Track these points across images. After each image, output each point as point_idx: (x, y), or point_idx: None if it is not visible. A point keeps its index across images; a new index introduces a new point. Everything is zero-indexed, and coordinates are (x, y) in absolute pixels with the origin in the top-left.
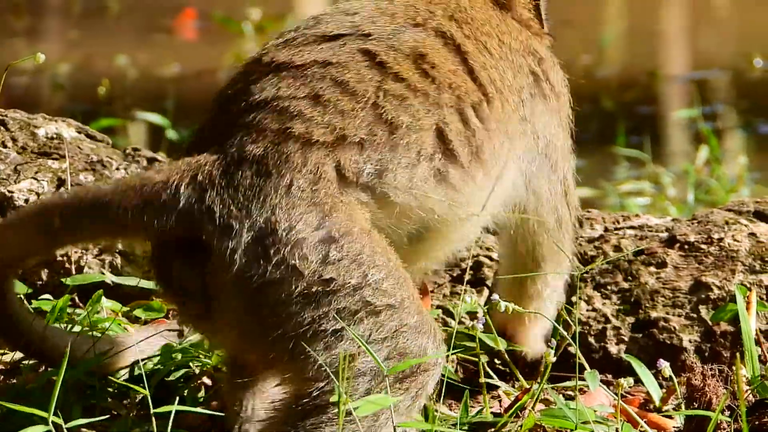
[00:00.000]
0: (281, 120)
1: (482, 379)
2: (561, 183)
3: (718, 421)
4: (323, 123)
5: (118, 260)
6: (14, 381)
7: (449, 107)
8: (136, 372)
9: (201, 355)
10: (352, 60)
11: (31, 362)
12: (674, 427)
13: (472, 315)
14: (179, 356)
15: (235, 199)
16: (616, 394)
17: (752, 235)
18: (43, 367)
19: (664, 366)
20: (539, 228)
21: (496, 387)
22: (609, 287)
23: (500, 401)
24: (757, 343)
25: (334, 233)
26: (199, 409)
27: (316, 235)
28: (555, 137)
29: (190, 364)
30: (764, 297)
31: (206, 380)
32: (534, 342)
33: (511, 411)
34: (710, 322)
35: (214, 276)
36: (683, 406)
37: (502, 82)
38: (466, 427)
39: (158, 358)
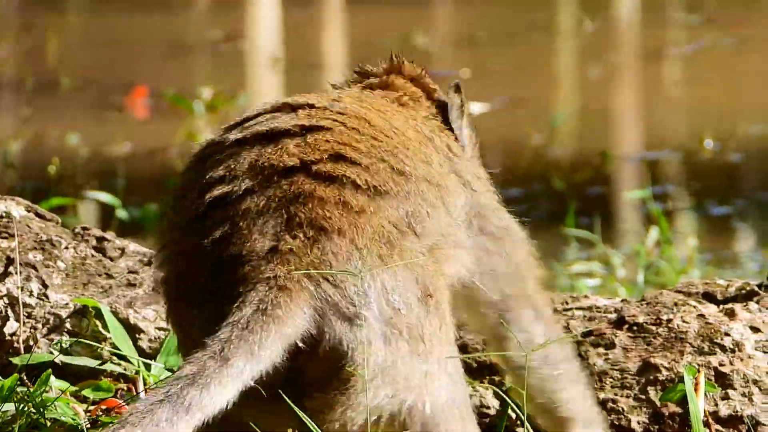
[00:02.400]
0: (329, 186)
1: None
2: (497, 231)
3: None
4: (362, 185)
5: (67, 339)
6: None
7: (419, 162)
8: None
9: None
10: (332, 124)
11: None
12: None
13: None
14: None
15: (347, 284)
16: None
17: (701, 316)
18: None
19: None
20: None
21: None
22: None
23: None
24: (706, 424)
25: (424, 287)
26: None
27: (417, 294)
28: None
29: None
30: (713, 378)
31: None
32: None
33: None
34: (659, 404)
35: (321, 365)
36: None
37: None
38: None
39: None
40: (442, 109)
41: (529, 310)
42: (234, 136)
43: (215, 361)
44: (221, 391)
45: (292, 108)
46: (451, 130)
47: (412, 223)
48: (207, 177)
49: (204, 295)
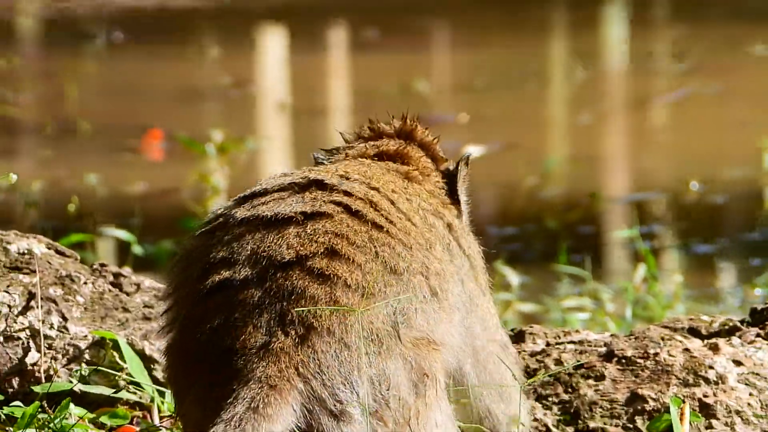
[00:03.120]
0: (321, 285)
1: None
2: (482, 322)
3: None
4: (352, 284)
5: (85, 368)
6: None
7: (418, 251)
8: None
9: None
10: (333, 211)
11: None
12: None
13: None
14: None
15: (335, 382)
16: None
17: (686, 350)
18: None
19: None
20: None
21: None
22: (550, 399)
23: None
24: None
25: (417, 374)
26: None
27: (409, 378)
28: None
29: None
30: (697, 409)
31: None
32: None
33: None
34: None
35: None
36: None
37: (427, 228)
38: None
39: None
40: (448, 178)
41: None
42: (241, 214)
43: None
44: None
45: (300, 188)
46: (454, 200)
47: (399, 320)
48: (211, 256)
49: (200, 371)
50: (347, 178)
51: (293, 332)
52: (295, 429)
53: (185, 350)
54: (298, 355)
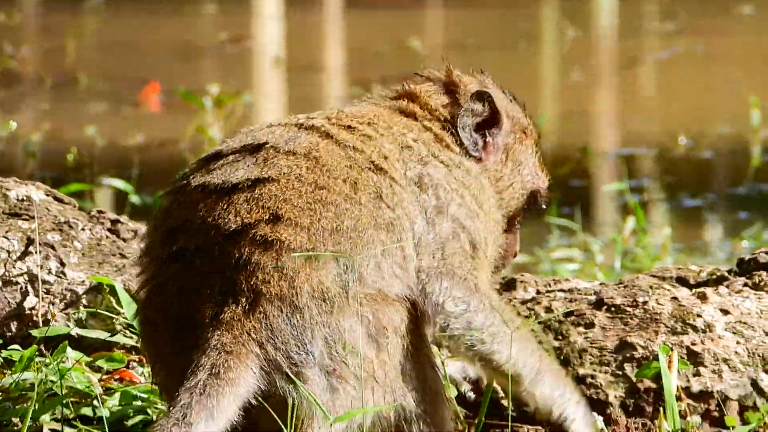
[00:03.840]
0: (266, 251)
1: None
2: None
3: None
4: (297, 247)
5: (83, 313)
6: None
7: (367, 203)
8: (97, 414)
9: (159, 402)
10: (279, 174)
11: None
12: None
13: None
14: (138, 402)
15: (289, 345)
16: None
17: (674, 299)
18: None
19: (597, 419)
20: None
21: None
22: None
23: None
24: (678, 398)
25: (375, 327)
26: None
27: (367, 333)
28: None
29: (148, 410)
30: (685, 356)
31: None
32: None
33: None
34: (634, 379)
35: (272, 418)
36: None
37: (385, 156)
38: None
39: (118, 401)
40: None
41: (458, 289)
42: (196, 181)
43: (179, 427)
44: None
45: (253, 149)
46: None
47: (351, 278)
48: (169, 223)
49: (164, 339)
50: (303, 128)
51: (243, 300)
52: (258, 390)
53: (151, 319)
54: (250, 321)
